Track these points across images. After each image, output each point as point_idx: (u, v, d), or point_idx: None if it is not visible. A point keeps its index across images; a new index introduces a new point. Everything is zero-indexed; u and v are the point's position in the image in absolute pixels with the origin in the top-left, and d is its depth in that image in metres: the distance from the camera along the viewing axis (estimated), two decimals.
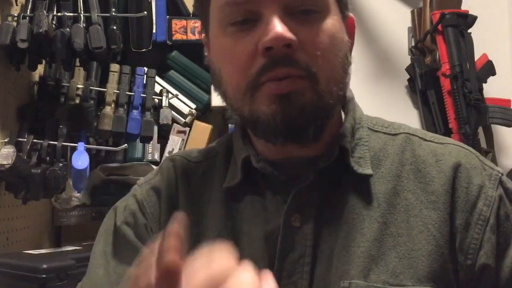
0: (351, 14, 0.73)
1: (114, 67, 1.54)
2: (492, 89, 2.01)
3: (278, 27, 0.62)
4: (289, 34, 0.62)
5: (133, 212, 0.75)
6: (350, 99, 0.75)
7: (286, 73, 0.63)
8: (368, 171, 0.70)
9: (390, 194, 0.69)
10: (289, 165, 0.70)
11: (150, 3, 1.63)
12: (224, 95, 0.70)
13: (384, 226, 0.67)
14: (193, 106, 1.85)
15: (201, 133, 1.83)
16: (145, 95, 1.53)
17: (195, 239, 0.72)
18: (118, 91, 1.51)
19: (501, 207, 0.69)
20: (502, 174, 0.71)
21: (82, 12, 1.36)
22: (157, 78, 1.70)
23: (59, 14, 1.36)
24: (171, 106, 1.66)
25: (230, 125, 1.81)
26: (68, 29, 1.33)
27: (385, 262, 0.65)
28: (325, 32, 0.65)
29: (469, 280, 0.67)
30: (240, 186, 0.72)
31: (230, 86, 0.67)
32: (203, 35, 0.76)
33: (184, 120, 1.83)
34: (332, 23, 0.66)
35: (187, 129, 1.82)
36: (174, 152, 1.80)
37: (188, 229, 0.72)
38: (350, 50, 0.72)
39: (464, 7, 2.01)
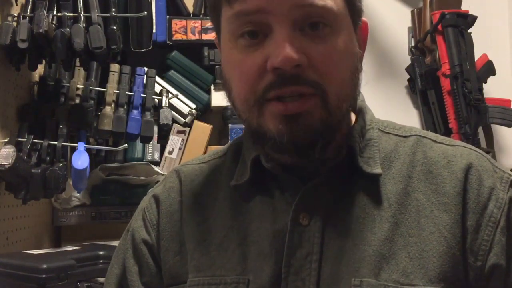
0: (364, 19, 0.73)
1: (114, 67, 1.54)
2: (492, 89, 2.02)
3: (287, 48, 0.62)
4: (298, 56, 0.62)
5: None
6: (360, 101, 0.76)
7: (294, 91, 0.64)
8: (377, 170, 0.70)
9: (401, 194, 0.70)
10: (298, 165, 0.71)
11: (150, 3, 1.62)
12: (233, 104, 0.71)
13: (395, 226, 0.68)
14: (193, 106, 1.85)
15: (201, 133, 1.83)
16: (145, 95, 1.53)
17: (201, 237, 0.74)
18: (118, 91, 1.51)
19: None
20: None
21: (82, 12, 1.36)
22: (157, 78, 1.70)
23: (59, 14, 1.35)
24: (171, 106, 1.66)
25: (230, 125, 1.81)
26: (68, 29, 1.32)
27: (396, 262, 0.66)
28: (335, 49, 0.65)
29: (478, 281, 0.67)
30: (249, 185, 0.73)
31: (238, 98, 0.68)
32: (215, 37, 0.76)
33: (184, 120, 1.83)
34: (342, 39, 0.66)
35: (187, 129, 1.82)
36: (173, 152, 1.80)
37: (194, 228, 0.74)
38: (361, 56, 0.72)
39: (464, 7, 2.01)
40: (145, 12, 1.49)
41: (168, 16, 1.85)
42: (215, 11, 0.71)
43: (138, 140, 1.53)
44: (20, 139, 1.37)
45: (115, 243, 1.46)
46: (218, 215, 0.74)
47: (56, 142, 1.39)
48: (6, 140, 1.33)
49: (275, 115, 0.65)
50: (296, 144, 0.66)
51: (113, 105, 1.50)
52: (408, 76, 2.11)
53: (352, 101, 0.70)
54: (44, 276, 1.12)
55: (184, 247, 0.75)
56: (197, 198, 0.77)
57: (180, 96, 1.82)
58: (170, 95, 1.63)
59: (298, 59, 0.63)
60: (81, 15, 1.35)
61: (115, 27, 1.39)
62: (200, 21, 1.86)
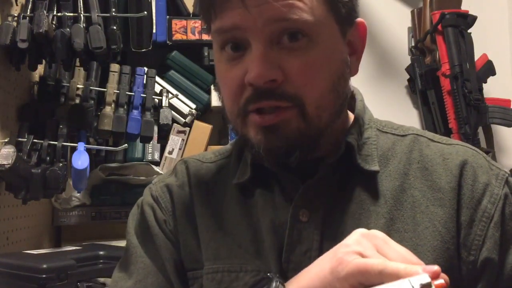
0: (360, 20, 0.72)
1: (114, 67, 1.54)
2: (492, 89, 2.02)
3: (259, 66, 0.64)
4: (270, 73, 0.64)
5: (151, 205, 0.79)
6: (358, 100, 0.77)
7: (270, 105, 0.66)
8: (375, 167, 0.72)
9: (397, 191, 0.71)
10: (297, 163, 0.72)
11: (150, 3, 1.62)
12: (225, 112, 0.73)
13: (390, 222, 0.69)
14: (193, 106, 1.85)
15: (201, 133, 1.83)
16: (145, 95, 1.53)
17: (216, 228, 0.75)
18: (118, 91, 1.51)
19: (507, 206, 0.70)
20: (509, 175, 0.73)
21: (82, 12, 1.36)
22: (157, 78, 1.70)
23: (59, 14, 1.35)
24: (171, 106, 1.66)
25: (230, 125, 1.81)
26: (68, 29, 1.32)
27: None
28: (314, 60, 0.66)
29: (471, 275, 0.68)
30: (251, 183, 0.75)
31: (226, 107, 0.72)
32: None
33: (184, 120, 1.83)
34: (322, 48, 0.66)
35: (187, 129, 1.82)
36: (173, 152, 1.80)
37: (208, 219, 0.75)
38: (358, 58, 0.72)
39: (464, 7, 2.01)
40: (145, 12, 1.49)
41: (168, 16, 1.85)
42: (206, 23, 0.72)
43: (138, 140, 1.53)
44: (20, 139, 1.37)
45: (115, 243, 1.47)
46: (228, 211, 0.76)
47: (56, 142, 1.39)
48: (6, 140, 1.33)
49: (254, 126, 0.67)
50: (272, 154, 0.68)
51: (113, 105, 1.50)
52: (408, 76, 2.11)
53: (335, 108, 0.70)
54: (44, 276, 1.12)
55: (197, 236, 0.76)
56: (206, 194, 0.79)
57: (180, 96, 1.82)
58: (170, 95, 1.63)
59: (269, 75, 0.64)
60: (81, 15, 1.35)
61: (115, 27, 1.39)
62: (200, 21, 1.86)
